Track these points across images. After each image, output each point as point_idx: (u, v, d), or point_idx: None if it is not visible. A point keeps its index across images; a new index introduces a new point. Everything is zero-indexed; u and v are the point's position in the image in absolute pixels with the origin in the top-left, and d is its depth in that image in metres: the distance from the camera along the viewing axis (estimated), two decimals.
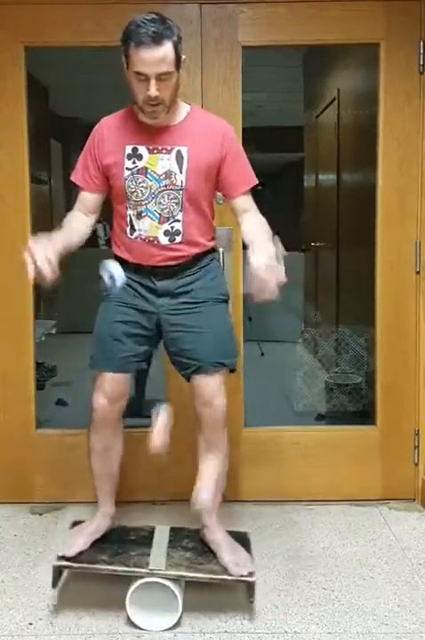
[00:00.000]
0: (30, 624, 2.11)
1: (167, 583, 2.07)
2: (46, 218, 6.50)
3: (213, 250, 2.24)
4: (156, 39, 1.92)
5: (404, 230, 2.84)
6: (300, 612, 2.16)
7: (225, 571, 2.13)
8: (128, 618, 2.10)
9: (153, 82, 1.95)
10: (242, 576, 2.11)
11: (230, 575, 2.12)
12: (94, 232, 5.16)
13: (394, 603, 2.21)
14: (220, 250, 2.68)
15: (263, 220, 2.13)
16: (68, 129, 6.74)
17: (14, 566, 2.43)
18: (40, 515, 2.83)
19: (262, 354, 5.19)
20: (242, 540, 2.30)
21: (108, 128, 2.15)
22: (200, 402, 2.17)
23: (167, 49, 1.94)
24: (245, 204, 2.16)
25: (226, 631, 2.07)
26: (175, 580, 2.10)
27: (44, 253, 1.82)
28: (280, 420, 3.23)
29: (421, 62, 2.75)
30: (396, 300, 2.87)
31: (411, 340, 2.88)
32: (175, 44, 1.96)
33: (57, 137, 6.80)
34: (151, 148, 2.08)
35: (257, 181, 2.19)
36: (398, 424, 2.91)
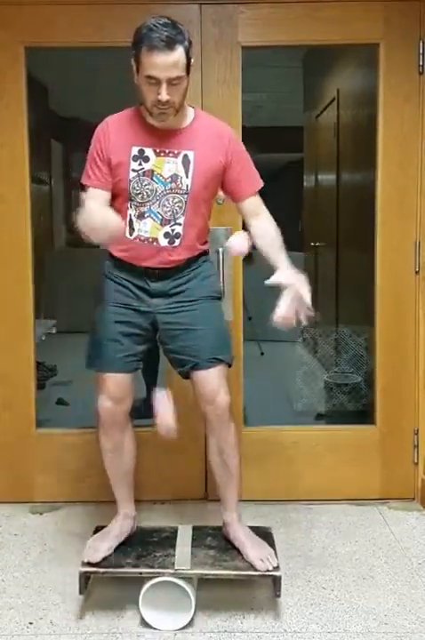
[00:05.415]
0: (30, 624, 2.11)
1: (180, 583, 2.07)
2: (46, 218, 6.51)
3: (205, 252, 2.25)
4: (170, 44, 1.91)
5: (404, 230, 2.84)
6: (299, 611, 2.16)
7: (250, 567, 2.14)
8: (130, 618, 2.10)
9: (164, 86, 1.94)
10: (267, 571, 2.13)
11: (256, 571, 2.13)
12: None
13: (393, 602, 2.21)
14: (220, 250, 2.68)
15: (274, 225, 2.16)
16: (68, 129, 6.72)
17: (14, 566, 2.43)
18: (40, 514, 2.83)
19: (262, 353, 5.19)
20: (264, 535, 2.30)
21: (113, 127, 2.12)
22: (203, 400, 2.18)
23: (179, 54, 1.94)
24: (255, 206, 2.18)
25: (225, 630, 2.07)
26: (188, 579, 2.10)
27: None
28: (280, 420, 3.23)
29: (421, 62, 2.76)
30: (396, 300, 2.87)
31: (410, 340, 2.88)
32: (186, 48, 1.97)
33: (57, 137, 6.80)
34: (158, 150, 2.07)
35: (262, 183, 2.20)
36: (398, 423, 2.91)
